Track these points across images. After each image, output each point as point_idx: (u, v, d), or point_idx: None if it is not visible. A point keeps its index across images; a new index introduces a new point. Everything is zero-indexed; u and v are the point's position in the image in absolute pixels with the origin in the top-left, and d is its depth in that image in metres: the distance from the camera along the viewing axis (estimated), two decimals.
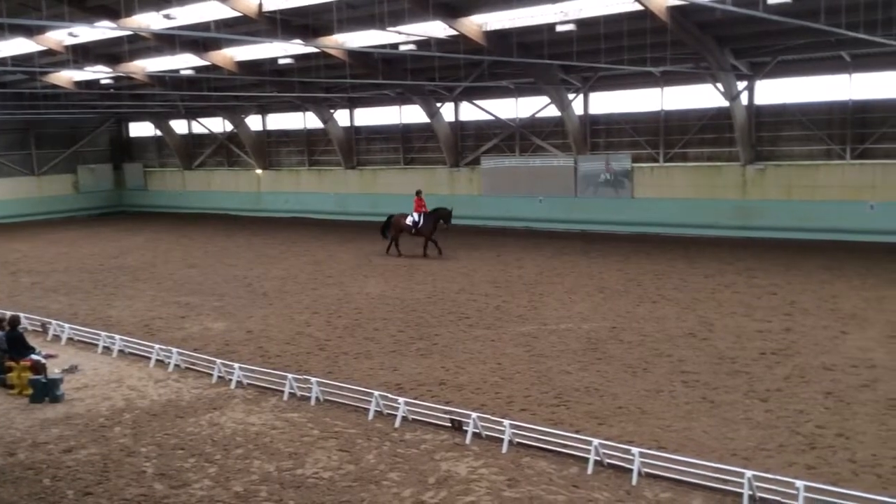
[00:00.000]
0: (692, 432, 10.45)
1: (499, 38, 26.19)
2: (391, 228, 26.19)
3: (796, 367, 12.86)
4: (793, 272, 20.40)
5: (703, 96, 27.15)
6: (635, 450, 9.23)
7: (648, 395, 11.91)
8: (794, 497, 8.02)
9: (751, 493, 8.31)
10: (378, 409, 11.35)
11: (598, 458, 9.41)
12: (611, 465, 9.45)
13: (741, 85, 25.94)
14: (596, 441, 9.50)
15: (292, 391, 12.33)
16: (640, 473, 9.09)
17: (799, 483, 8.07)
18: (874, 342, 14.07)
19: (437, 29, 25.68)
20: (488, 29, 25.88)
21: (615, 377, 12.81)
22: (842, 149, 24.94)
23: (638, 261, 23.26)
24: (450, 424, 10.72)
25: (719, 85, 25.62)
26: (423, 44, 26.57)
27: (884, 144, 24.29)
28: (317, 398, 12.02)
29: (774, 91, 26.18)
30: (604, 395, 11.97)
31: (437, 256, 25.24)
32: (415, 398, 11.70)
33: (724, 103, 26.05)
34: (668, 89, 28.18)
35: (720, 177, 27.07)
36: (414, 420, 11.10)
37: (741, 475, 8.41)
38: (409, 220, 25.75)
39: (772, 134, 26.41)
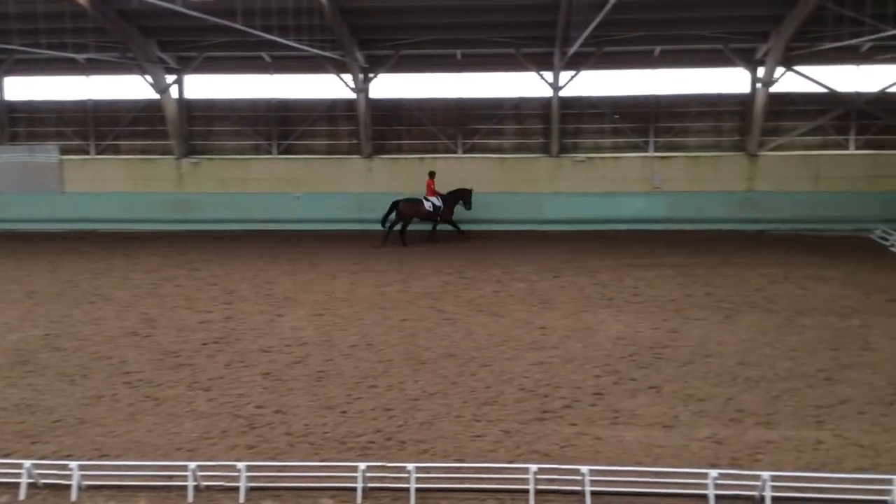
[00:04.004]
0: (136, 434, 10.16)
1: None
2: (401, 217, 23.27)
3: (237, 353, 13.40)
4: (232, 262, 21.22)
5: (133, 87, 26.46)
6: (73, 464, 8.61)
7: (89, 403, 11.23)
8: (237, 479, 8.35)
9: (195, 483, 8.39)
10: None
11: (31, 481, 8.53)
12: (48, 485, 8.66)
13: (170, 78, 25.99)
14: (28, 462, 8.61)
15: None
16: (80, 487, 8.51)
17: (240, 464, 8.42)
18: (304, 321, 15.42)
19: None
20: None
21: (50, 389, 11.78)
22: (269, 144, 26.77)
23: (73, 260, 21.70)
24: None
25: (148, 77, 25.27)
26: None
27: (304, 141, 26.78)
28: None
29: (204, 86, 26.84)
30: (37, 411, 10.90)
31: (465, 242, 23.52)
32: None
33: (155, 96, 25.81)
34: (96, 78, 26.81)
35: (156, 170, 26.78)
36: None
37: (185, 468, 8.43)
38: (428, 206, 23.38)
39: (204, 128, 27.07)
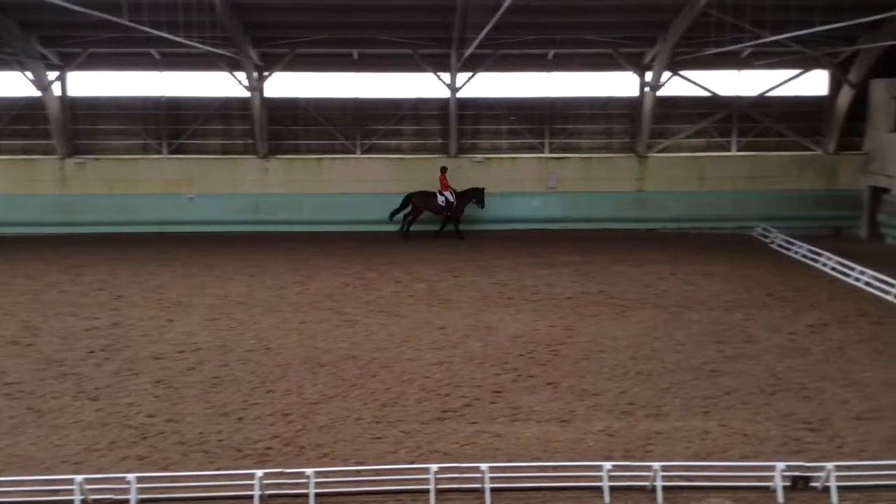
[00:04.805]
0: (18, 447, 9.66)
1: None
2: (414, 210, 23.96)
3: (126, 361, 12.90)
4: (120, 266, 20.39)
5: (13, 84, 25.07)
6: None
7: None
8: (127, 491, 8.03)
9: (82, 497, 8.03)
10: None
11: None
12: None
13: (53, 75, 24.77)
14: None
15: None
16: None
17: (130, 476, 8.11)
18: (198, 326, 14.98)
19: None
20: None
21: None
22: (158, 143, 25.87)
23: None
24: None
25: (28, 73, 24.02)
26: None
27: (196, 140, 26.01)
28: None
29: (89, 83, 25.70)
30: None
31: (462, 242, 23.61)
32: None
33: (37, 93, 24.54)
34: None
35: (38, 171, 25.43)
36: None
37: (71, 482, 8.05)
38: (441, 200, 23.77)
39: (90, 127, 25.89)
